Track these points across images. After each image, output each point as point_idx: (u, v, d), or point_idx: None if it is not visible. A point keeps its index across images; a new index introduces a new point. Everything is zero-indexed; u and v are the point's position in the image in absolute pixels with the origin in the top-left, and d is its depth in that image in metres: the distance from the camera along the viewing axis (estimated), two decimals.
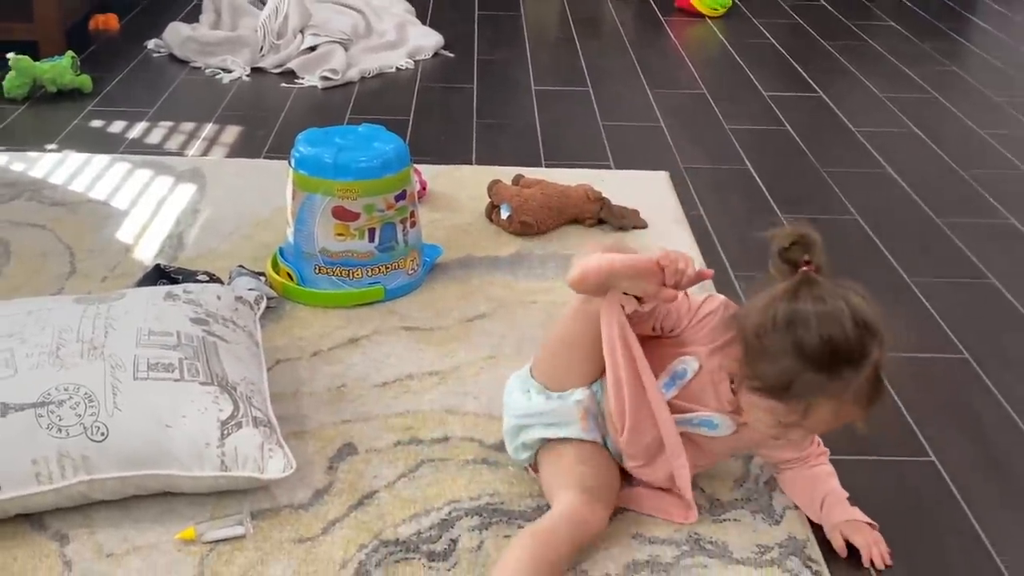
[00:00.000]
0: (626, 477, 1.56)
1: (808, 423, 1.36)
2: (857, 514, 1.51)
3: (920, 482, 1.65)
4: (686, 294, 1.49)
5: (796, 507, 1.55)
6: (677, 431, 1.46)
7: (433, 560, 1.42)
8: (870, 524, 1.50)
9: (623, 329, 1.42)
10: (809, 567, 1.44)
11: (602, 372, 1.48)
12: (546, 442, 1.53)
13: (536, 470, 1.55)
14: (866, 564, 1.46)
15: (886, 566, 1.46)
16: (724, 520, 1.52)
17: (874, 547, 1.47)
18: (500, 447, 1.64)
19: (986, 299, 2.17)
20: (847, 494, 1.53)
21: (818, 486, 1.54)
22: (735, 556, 1.46)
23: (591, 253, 1.42)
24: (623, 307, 1.41)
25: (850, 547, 1.48)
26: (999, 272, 2.26)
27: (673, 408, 1.47)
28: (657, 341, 1.48)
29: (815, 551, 1.48)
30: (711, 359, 1.45)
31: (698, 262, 2.17)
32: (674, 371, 1.48)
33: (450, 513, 1.51)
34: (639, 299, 1.41)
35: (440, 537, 1.46)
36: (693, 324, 1.48)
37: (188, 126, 2.87)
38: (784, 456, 1.56)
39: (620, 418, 1.45)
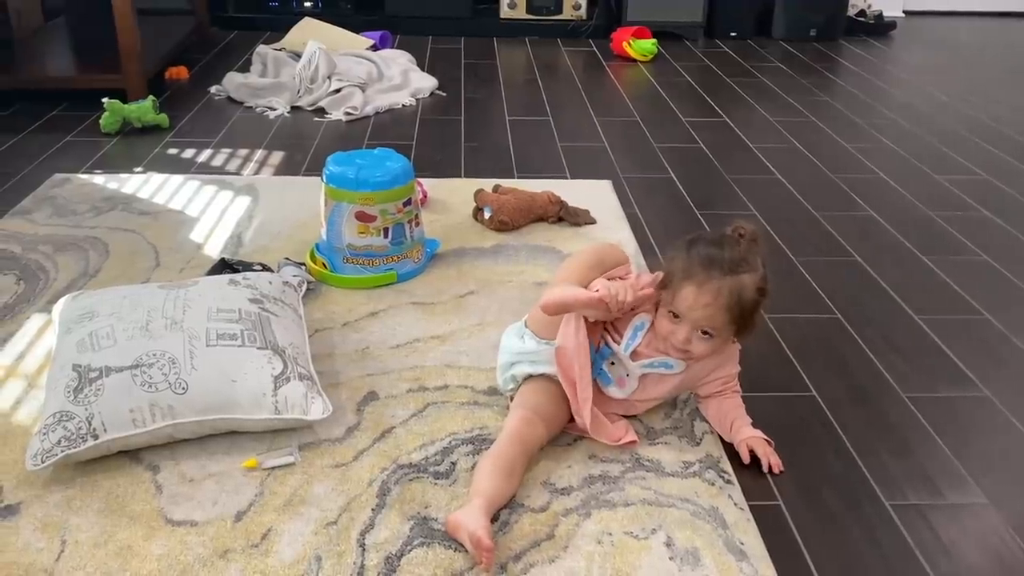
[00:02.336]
0: None
1: (677, 304, 1.43)
2: (758, 433, 1.52)
3: (805, 411, 1.66)
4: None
5: (712, 432, 1.56)
6: (591, 398, 1.49)
7: (438, 478, 1.43)
8: (767, 440, 1.51)
9: (581, 331, 1.48)
10: (722, 477, 1.45)
11: None
12: (527, 377, 1.54)
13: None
14: (765, 469, 1.47)
15: (780, 471, 1.48)
16: (657, 443, 1.53)
17: (771, 457, 1.49)
18: (488, 392, 1.64)
19: (852, 272, 2.18)
20: (751, 420, 1.55)
21: (730, 412, 1.56)
22: (667, 470, 1.46)
23: (558, 284, 1.51)
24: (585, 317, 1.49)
25: (753, 459, 1.50)
26: (861, 252, 2.27)
27: (641, 356, 1.51)
28: (624, 316, 1.52)
29: (727, 465, 1.48)
30: (656, 319, 1.50)
31: (633, 248, 2.19)
32: (634, 326, 1.52)
33: (450, 442, 1.51)
34: None
35: (443, 461, 1.47)
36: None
37: (243, 152, 2.85)
38: (711, 390, 1.57)
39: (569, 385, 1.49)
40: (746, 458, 1.50)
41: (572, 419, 1.53)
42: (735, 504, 1.39)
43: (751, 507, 1.39)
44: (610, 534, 1.33)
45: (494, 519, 1.33)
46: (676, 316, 1.44)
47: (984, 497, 1.45)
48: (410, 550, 1.28)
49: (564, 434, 1.54)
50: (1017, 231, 2.42)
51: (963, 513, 1.41)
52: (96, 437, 1.38)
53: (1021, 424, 1.63)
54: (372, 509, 1.36)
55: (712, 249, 1.43)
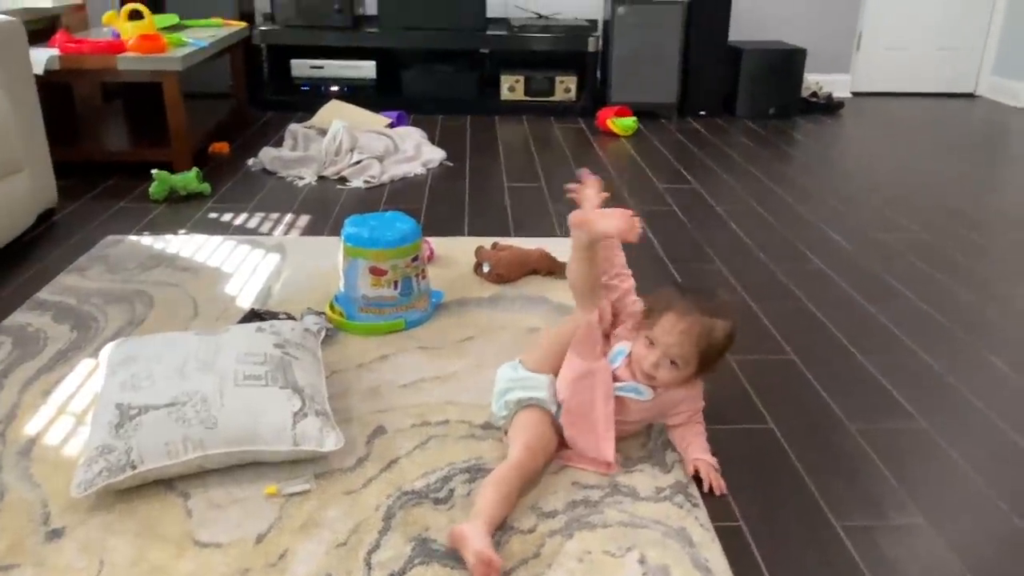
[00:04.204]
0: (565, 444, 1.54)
1: (656, 331, 1.44)
2: (706, 457, 1.51)
3: (763, 442, 1.63)
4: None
5: (681, 461, 1.54)
6: (613, 424, 1.49)
7: (438, 503, 1.41)
8: (713, 466, 1.49)
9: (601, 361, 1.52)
10: (690, 501, 1.43)
11: (558, 368, 1.55)
12: (521, 409, 1.52)
13: (507, 434, 1.54)
14: (705, 490, 1.45)
15: (721, 494, 1.45)
16: (633, 471, 1.51)
17: (713, 479, 1.47)
18: (485, 426, 1.63)
19: (804, 316, 2.17)
20: (708, 446, 1.53)
21: (688, 436, 1.55)
22: (641, 495, 1.44)
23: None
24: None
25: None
26: (812, 299, 2.26)
27: (616, 379, 1.51)
28: (604, 341, 1.55)
29: (694, 490, 1.46)
30: (633, 344, 1.50)
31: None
32: (616, 350, 1.53)
33: (449, 471, 1.49)
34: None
35: (443, 487, 1.45)
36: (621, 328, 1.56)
37: (275, 216, 2.86)
38: (678, 420, 1.56)
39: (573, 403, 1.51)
40: (690, 472, 1.48)
41: (560, 446, 1.52)
42: (701, 525, 1.37)
43: (715, 528, 1.37)
44: (590, 552, 1.30)
45: None
46: (651, 343, 1.45)
47: (923, 518, 1.42)
48: (411, 568, 1.26)
49: (552, 460, 1.51)
50: (949, 281, 2.42)
51: (904, 533, 1.39)
52: (134, 467, 1.37)
53: (954, 452, 1.61)
54: (378, 531, 1.33)
55: (697, 294, 1.48)
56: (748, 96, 4.60)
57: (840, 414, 1.73)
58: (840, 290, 2.35)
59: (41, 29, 3.49)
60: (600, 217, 1.50)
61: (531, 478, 1.43)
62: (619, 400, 1.51)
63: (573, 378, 1.50)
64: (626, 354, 1.51)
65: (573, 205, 1.62)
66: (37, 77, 2.70)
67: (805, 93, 4.76)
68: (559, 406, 1.52)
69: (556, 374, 1.55)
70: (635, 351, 1.49)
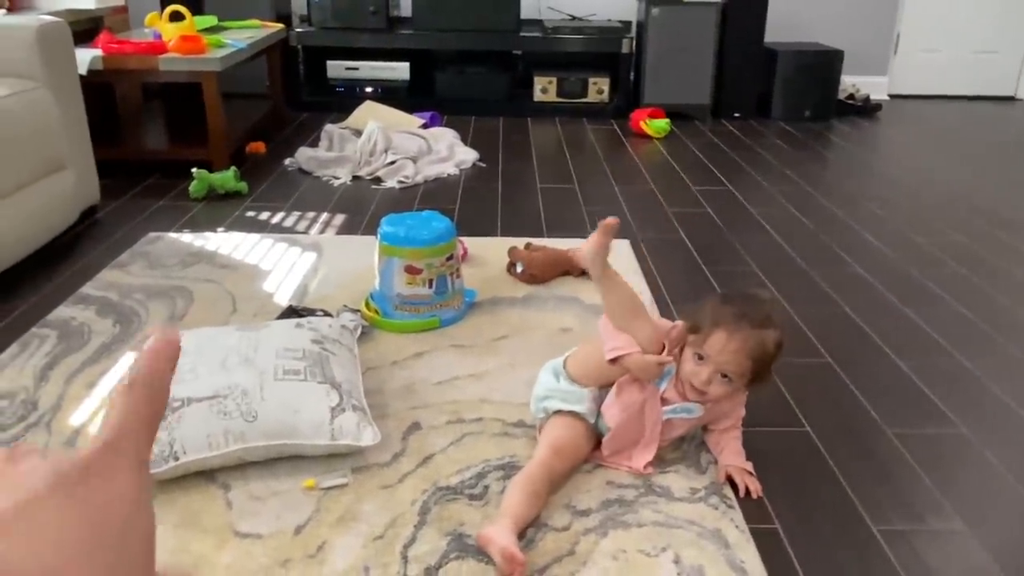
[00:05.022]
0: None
1: (707, 347, 1.40)
2: (739, 461, 1.50)
3: (799, 445, 1.63)
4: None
5: (715, 462, 1.54)
6: (655, 442, 1.50)
7: (472, 499, 1.42)
8: (747, 470, 1.49)
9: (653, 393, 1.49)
10: (725, 502, 1.43)
11: (604, 385, 1.52)
12: (556, 412, 1.53)
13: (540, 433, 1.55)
14: (742, 495, 1.45)
15: (758, 496, 1.45)
16: (667, 472, 1.51)
17: (748, 483, 1.46)
18: (518, 424, 1.64)
19: (841, 319, 2.15)
20: (742, 451, 1.53)
21: (722, 441, 1.54)
22: (675, 495, 1.45)
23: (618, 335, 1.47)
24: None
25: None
26: (849, 303, 2.25)
27: (666, 402, 1.49)
28: None
29: (728, 491, 1.46)
30: (681, 361, 1.47)
31: (647, 298, 2.18)
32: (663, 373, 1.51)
33: (483, 468, 1.51)
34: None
35: (477, 484, 1.46)
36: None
37: (311, 214, 2.90)
38: (717, 427, 1.56)
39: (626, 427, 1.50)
40: (721, 479, 1.48)
41: (595, 449, 1.52)
42: (736, 527, 1.37)
43: (751, 529, 1.37)
44: (624, 551, 1.31)
45: (521, 536, 1.31)
46: (701, 358, 1.43)
47: (961, 523, 1.41)
48: (447, 563, 1.27)
49: (584, 462, 1.52)
50: (987, 285, 2.39)
51: (942, 537, 1.38)
52: (176, 459, 1.40)
53: (994, 458, 1.59)
54: (414, 526, 1.35)
55: (743, 305, 1.43)
56: (783, 98, 4.57)
57: (877, 417, 1.72)
58: (877, 293, 2.33)
59: (84, 30, 3.56)
60: (581, 250, 1.50)
61: (557, 479, 1.44)
62: (668, 421, 1.50)
63: (620, 409, 1.48)
64: (672, 373, 1.49)
65: (606, 208, 1.62)
66: (80, 77, 2.76)
67: (842, 95, 4.72)
68: (599, 415, 1.52)
69: (598, 387, 1.53)
70: (684, 368, 1.45)
